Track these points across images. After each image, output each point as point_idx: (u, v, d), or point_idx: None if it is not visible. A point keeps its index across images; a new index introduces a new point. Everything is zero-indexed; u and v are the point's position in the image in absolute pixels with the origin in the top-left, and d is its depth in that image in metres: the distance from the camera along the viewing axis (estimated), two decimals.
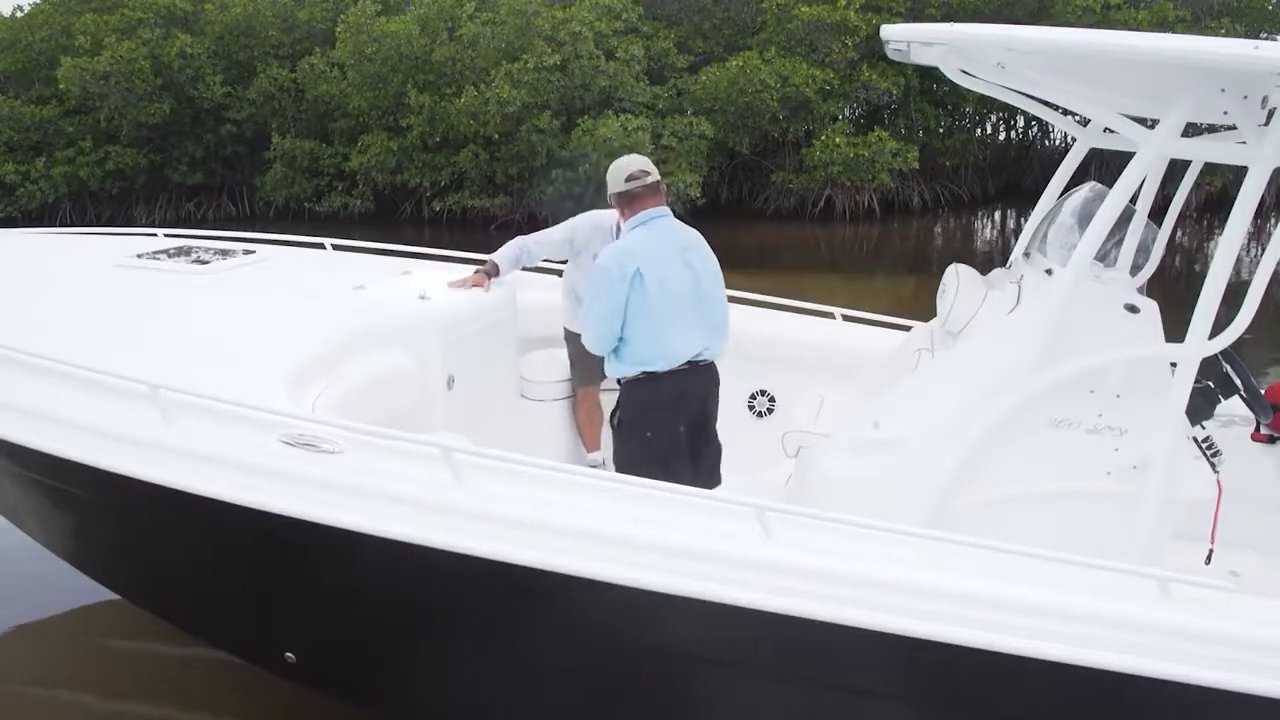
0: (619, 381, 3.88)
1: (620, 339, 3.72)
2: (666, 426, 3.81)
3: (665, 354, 3.72)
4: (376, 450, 3.06)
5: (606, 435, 4.87)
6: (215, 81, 18.68)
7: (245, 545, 3.19)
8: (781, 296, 5.22)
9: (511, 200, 17.99)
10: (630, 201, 3.73)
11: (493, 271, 4.77)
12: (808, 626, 2.63)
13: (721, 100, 17.88)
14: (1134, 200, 3.51)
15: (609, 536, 2.78)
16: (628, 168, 3.77)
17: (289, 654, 3.48)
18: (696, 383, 3.84)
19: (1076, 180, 3.82)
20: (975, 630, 2.57)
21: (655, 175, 3.77)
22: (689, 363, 3.79)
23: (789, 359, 4.83)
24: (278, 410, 3.16)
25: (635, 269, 3.58)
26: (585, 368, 4.84)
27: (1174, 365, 3.07)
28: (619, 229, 4.13)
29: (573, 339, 4.90)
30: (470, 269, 4.97)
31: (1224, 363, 3.63)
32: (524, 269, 4.91)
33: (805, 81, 17.71)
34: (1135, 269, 3.72)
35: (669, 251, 3.69)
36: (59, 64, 18.19)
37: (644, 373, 3.73)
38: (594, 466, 4.87)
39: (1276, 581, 3.46)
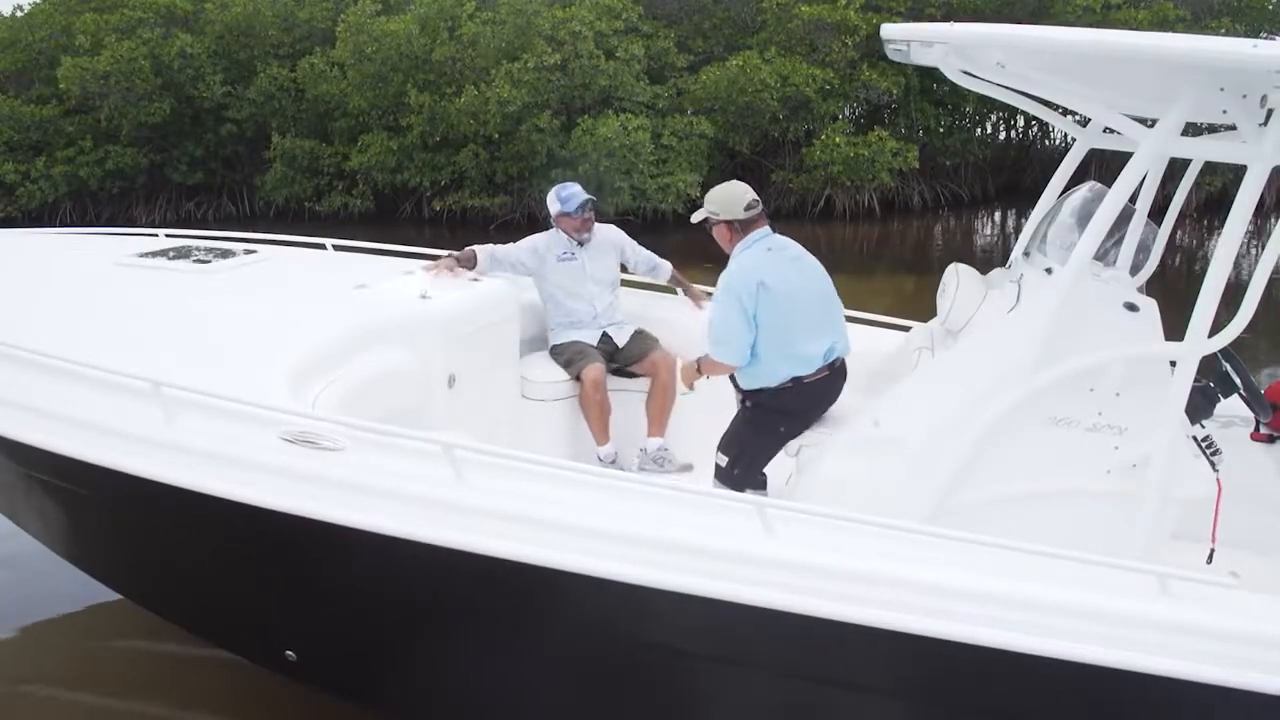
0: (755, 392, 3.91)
1: (754, 355, 3.81)
2: (800, 427, 3.90)
3: (804, 359, 3.82)
4: (378, 447, 3.06)
5: (618, 428, 4.89)
6: (215, 81, 18.66)
7: (246, 542, 3.19)
8: None
9: (511, 200, 17.98)
10: (745, 227, 3.90)
11: (468, 260, 4.86)
12: (808, 623, 2.64)
13: (721, 100, 17.87)
14: (1134, 199, 3.51)
15: (609, 533, 2.79)
16: (744, 197, 3.92)
17: (289, 652, 3.48)
18: (835, 386, 3.90)
19: (1076, 180, 3.82)
20: (975, 626, 2.58)
21: (760, 204, 3.99)
22: (827, 366, 3.87)
23: None
24: (279, 407, 3.17)
25: (759, 280, 3.74)
26: (583, 357, 4.86)
27: (1173, 364, 3.08)
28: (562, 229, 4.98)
29: (559, 351, 5.00)
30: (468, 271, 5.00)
31: (1223, 361, 3.64)
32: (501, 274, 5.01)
33: (805, 81, 17.70)
34: (1135, 268, 3.73)
35: (783, 262, 3.87)
36: (59, 63, 18.15)
37: (792, 379, 3.82)
38: (609, 462, 4.87)
39: (1276, 581, 3.46)
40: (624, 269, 5.26)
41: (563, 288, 4.99)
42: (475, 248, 4.92)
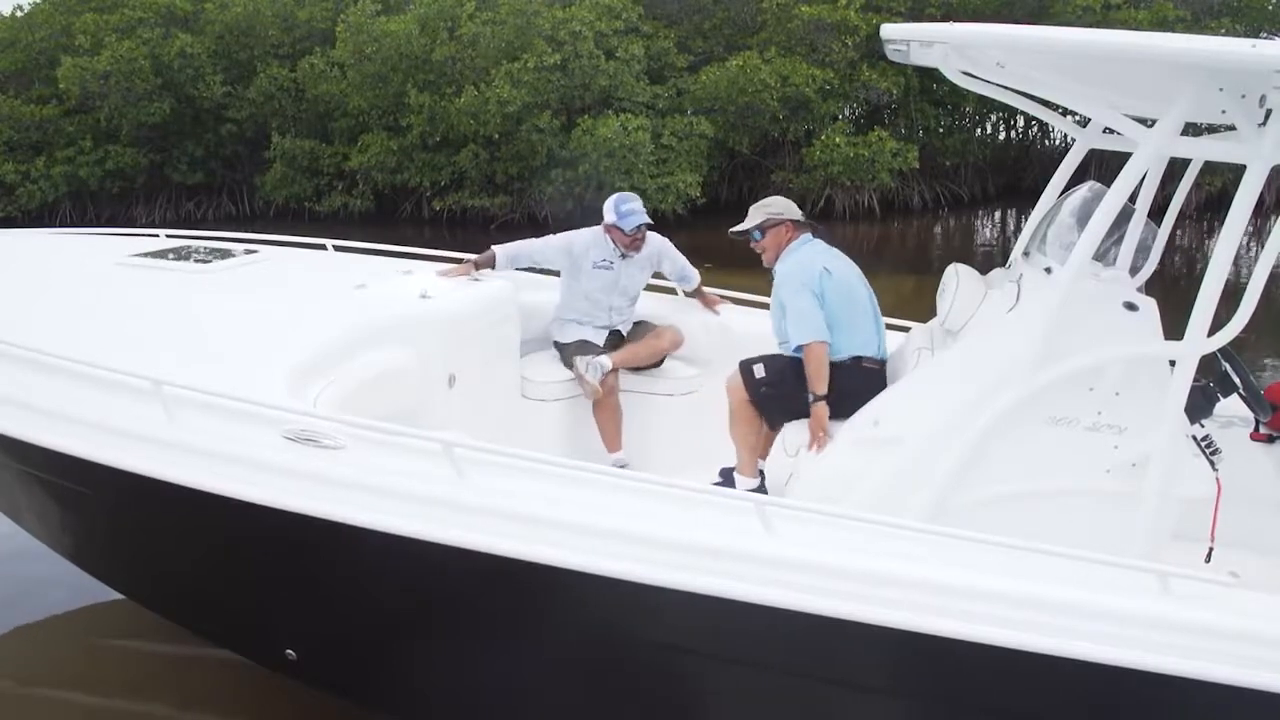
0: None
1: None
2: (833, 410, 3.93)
3: (864, 341, 4.01)
4: (378, 445, 3.07)
5: (629, 435, 4.89)
6: (215, 81, 18.68)
7: (247, 541, 3.20)
8: None
9: (511, 200, 18.01)
10: (799, 228, 4.22)
11: (487, 262, 4.83)
12: (807, 621, 2.64)
13: (721, 100, 17.88)
14: (1133, 199, 3.52)
15: (610, 531, 2.79)
16: (797, 207, 4.29)
17: (290, 651, 3.48)
18: (877, 386, 3.84)
19: (1076, 180, 3.83)
20: (975, 625, 2.58)
21: None
22: (879, 361, 4.02)
23: None
24: (280, 406, 3.17)
25: (822, 266, 4.02)
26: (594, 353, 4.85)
27: (1173, 363, 3.08)
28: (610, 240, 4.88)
29: (564, 349, 4.96)
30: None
31: (1223, 361, 3.64)
32: (522, 269, 5.00)
33: (805, 81, 17.72)
34: (1135, 268, 3.73)
35: (836, 255, 4.15)
36: (59, 63, 18.20)
37: (852, 357, 3.97)
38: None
39: (1276, 582, 3.47)
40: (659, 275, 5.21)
41: (587, 291, 4.91)
42: (495, 248, 4.88)
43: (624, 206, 4.82)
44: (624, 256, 4.88)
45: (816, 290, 3.94)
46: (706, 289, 5.27)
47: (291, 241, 5.55)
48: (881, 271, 15.38)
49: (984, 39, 3.05)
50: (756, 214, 4.20)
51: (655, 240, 5.03)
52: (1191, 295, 2.90)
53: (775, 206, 4.20)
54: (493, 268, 4.83)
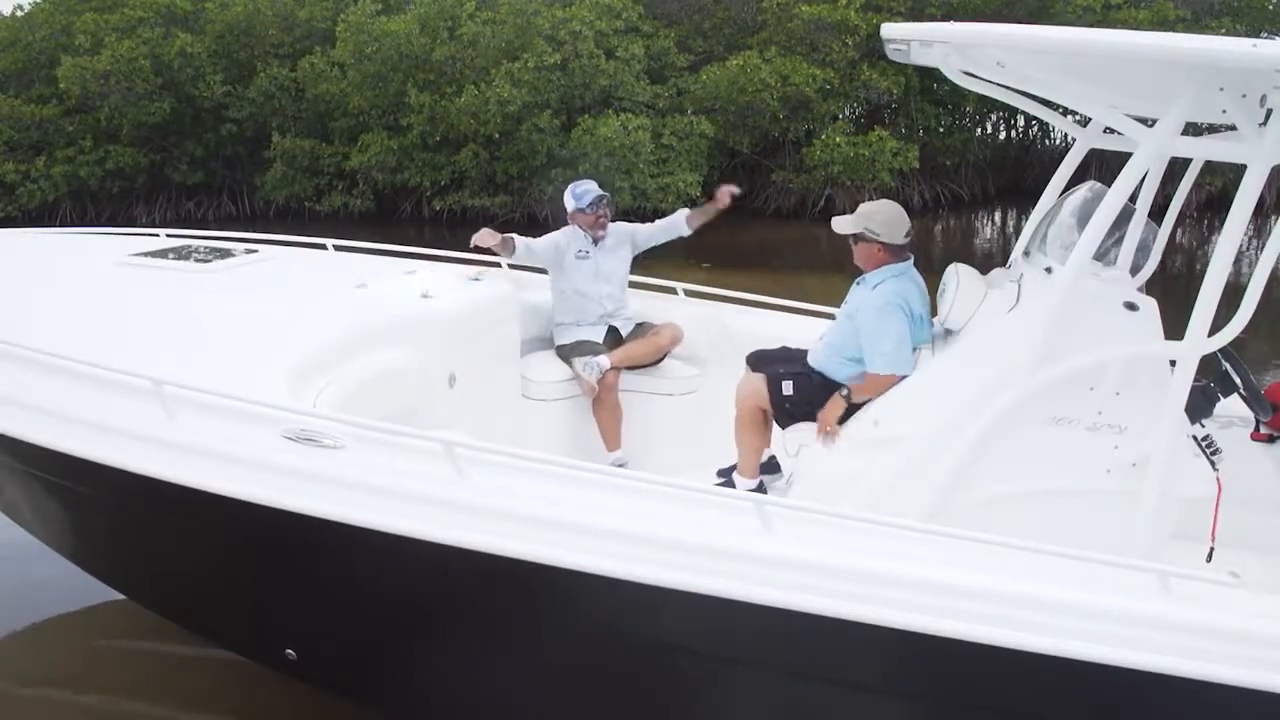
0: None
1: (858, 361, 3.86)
2: None
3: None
4: (378, 445, 3.07)
5: (629, 434, 4.90)
6: (215, 81, 18.66)
7: (247, 540, 3.20)
8: (782, 296, 5.25)
9: (512, 199, 17.99)
10: (898, 253, 3.89)
11: (509, 246, 4.95)
12: (807, 621, 2.64)
13: (722, 100, 17.87)
14: (1134, 199, 3.52)
15: (610, 531, 2.79)
16: (905, 222, 3.89)
17: (290, 651, 3.49)
18: None
19: (1076, 180, 3.83)
20: (976, 625, 2.59)
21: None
22: None
23: None
24: (280, 405, 3.17)
25: (919, 313, 3.82)
26: (597, 354, 4.86)
27: (1173, 363, 3.08)
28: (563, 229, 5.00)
29: (565, 351, 4.96)
30: (469, 270, 5.02)
31: (1223, 361, 3.64)
32: (525, 269, 5.10)
33: (805, 81, 17.70)
34: (1135, 268, 3.73)
35: (924, 296, 3.91)
36: (59, 63, 18.17)
37: None
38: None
39: (1276, 582, 3.46)
40: (641, 258, 5.27)
41: (575, 286, 5.02)
42: (515, 237, 4.98)
43: (579, 189, 5.08)
44: (596, 243, 5.05)
45: (909, 329, 3.77)
46: (705, 286, 5.31)
47: (292, 241, 5.55)
48: None
49: (984, 38, 3.05)
50: (856, 222, 3.88)
51: (620, 226, 5.22)
52: (1191, 295, 2.90)
53: (873, 223, 3.84)
54: (511, 254, 4.94)
